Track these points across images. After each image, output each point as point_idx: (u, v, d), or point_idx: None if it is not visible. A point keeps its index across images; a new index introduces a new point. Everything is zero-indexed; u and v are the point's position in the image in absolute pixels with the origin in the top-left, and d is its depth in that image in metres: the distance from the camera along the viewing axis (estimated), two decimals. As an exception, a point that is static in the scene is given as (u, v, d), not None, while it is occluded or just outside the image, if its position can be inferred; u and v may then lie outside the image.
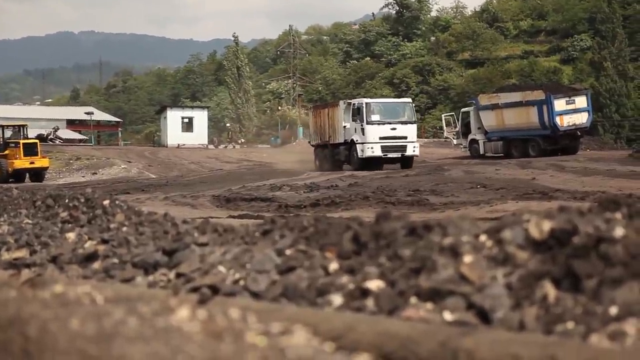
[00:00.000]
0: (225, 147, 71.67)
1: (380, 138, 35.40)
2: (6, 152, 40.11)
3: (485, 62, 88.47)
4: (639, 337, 2.37)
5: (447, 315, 2.88)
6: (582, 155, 37.03)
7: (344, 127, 36.52)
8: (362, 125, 35.62)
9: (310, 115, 42.46)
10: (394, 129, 35.63)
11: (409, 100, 40.43)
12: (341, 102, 38.86)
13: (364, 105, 36.03)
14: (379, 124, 35.60)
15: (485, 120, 41.84)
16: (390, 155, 35.49)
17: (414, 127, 37.05)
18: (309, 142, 42.15)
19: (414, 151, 36.16)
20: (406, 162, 35.67)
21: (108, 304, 2.52)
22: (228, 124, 78.94)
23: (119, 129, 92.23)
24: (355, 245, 3.92)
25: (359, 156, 35.63)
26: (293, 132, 78.55)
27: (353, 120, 36.16)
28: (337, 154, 37.43)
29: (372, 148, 35.23)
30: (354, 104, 37.14)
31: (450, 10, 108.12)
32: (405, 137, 35.83)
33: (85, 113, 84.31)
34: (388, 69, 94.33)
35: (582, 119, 39.66)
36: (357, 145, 35.76)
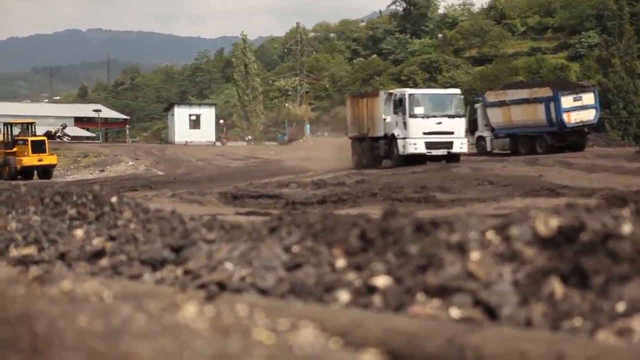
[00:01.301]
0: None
1: (424, 133, 32.18)
2: (14, 149, 40.23)
3: (493, 59, 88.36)
4: (646, 334, 2.36)
5: (454, 312, 2.88)
6: (589, 152, 36.96)
7: (384, 120, 33.28)
8: (404, 119, 32.44)
9: (347, 104, 39.07)
10: (440, 123, 32.40)
11: (457, 91, 35.88)
12: (381, 92, 35.70)
13: (406, 97, 32.82)
14: (422, 117, 32.36)
15: (493, 117, 41.75)
16: (434, 152, 32.32)
17: (462, 121, 33.67)
18: (346, 133, 38.38)
19: (461, 148, 32.92)
20: (452, 160, 32.22)
21: (115, 301, 2.52)
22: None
23: (127, 126, 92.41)
24: (363, 242, 3.93)
25: (400, 153, 32.48)
26: (300, 129, 78.57)
27: (394, 113, 32.95)
28: (376, 149, 34.18)
29: (414, 144, 32.12)
30: (395, 94, 33.87)
31: (457, 7, 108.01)
32: (452, 133, 32.56)
33: (93, 110, 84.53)
34: (395, 66, 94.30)
35: (590, 115, 39.57)
36: (398, 140, 32.54)
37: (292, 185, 20.35)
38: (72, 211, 6.12)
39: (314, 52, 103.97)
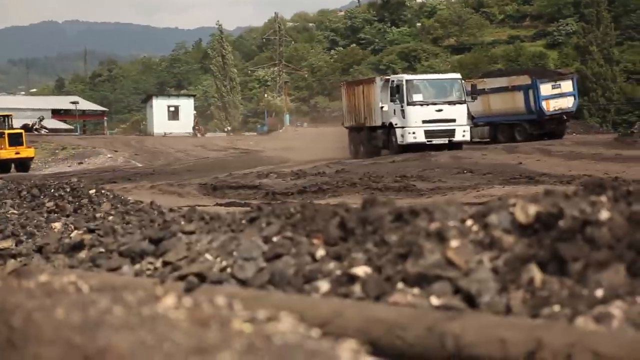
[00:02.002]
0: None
1: (424, 121, 30.43)
2: (-9, 142, 39.91)
3: (471, 48, 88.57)
4: (624, 320, 2.37)
5: (434, 300, 2.88)
6: (568, 140, 37.17)
7: (381, 108, 31.60)
8: (402, 107, 30.66)
9: (343, 92, 37.03)
10: (440, 110, 30.60)
11: (458, 75, 33.68)
12: (377, 79, 33.74)
13: (404, 83, 30.97)
14: (421, 104, 30.54)
15: (472, 106, 41.88)
16: (435, 141, 30.37)
17: (464, 107, 31.43)
18: (342, 123, 36.56)
19: (463, 136, 31.04)
20: (454, 148, 30.37)
21: (94, 293, 2.51)
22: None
23: (105, 118, 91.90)
24: (342, 232, 3.92)
25: (399, 142, 30.70)
26: (280, 120, 78.47)
27: (392, 101, 31.10)
28: (373, 139, 32.43)
29: (413, 133, 30.39)
30: (392, 81, 32.02)
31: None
32: (454, 120, 30.75)
33: (71, 102, 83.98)
34: (374, 55, 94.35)
35: (568, 103, 39.76)
36: (397, 129, 30.80)
37: (272, 176, 20.34)
38: (50, 204, 6.08)
39: (293, 42, 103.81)
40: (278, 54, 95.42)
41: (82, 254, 4.87)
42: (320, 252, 3.77)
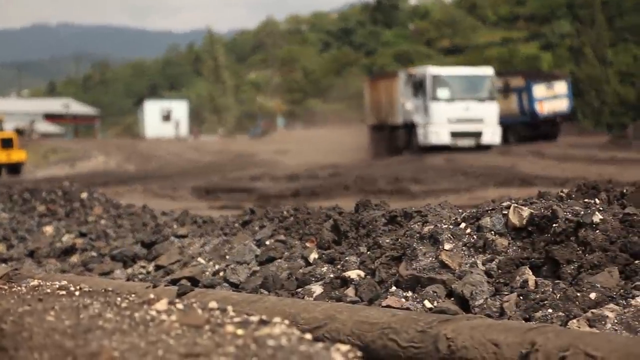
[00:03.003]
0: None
1: (449, 120, 27.42)
2: (-18, 146, 39.81)
3: (465, 50, 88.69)
4: (618, 322, 2.37)
5: (428, 303, 2.88)
6: (561, 142, 37.23)
7: (403, 105, 28.65)
8: (425, 103, 27.63)
9: (366, 87, 33.94)
10: (468, 108, 27.61)
11: (490, 71, 30.07)
12: (401, 73, 30.49)
13: (427, 77, 27.84)
14: (447, 101, 27.55)
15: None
16: (460, 143, 27.49)
17: (494, 106, 28.43)
18: (364, 120, 33.78)
19: (492, 138, 28.06)
20: (482, 150, 27.73)
21: (85, 297, 2.49)
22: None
23: (97, 121, 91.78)
24: (335, 235, 3.92)
25: (421, 143, 27.72)
26: (273, 122, 78.46)
27: (414, 96, 28.12)
28: (394, 138, 29.50)
29: (437, 132, 27.34)
30: (414, 75, 28.80)
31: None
32: (481, 120, 27.82)
33: (62, 106, 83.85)
34: (368, 57, 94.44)
35: (562, 105, 39.81)
36: (419, 128, 27.81)
37: (265, 179, 20.34)
38: (41, 208, 6.06)
39: (284, 46, 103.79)
40: (271, 57, 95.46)
41: (74, 258, 4.85)
42: (314, 256, 3.76)
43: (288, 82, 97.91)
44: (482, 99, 28.15)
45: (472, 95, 28.06)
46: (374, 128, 32.16)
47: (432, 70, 28.88)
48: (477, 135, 27.85)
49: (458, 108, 27.63)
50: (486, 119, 28.02)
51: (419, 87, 28.12)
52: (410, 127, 28.55)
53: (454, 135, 27.57)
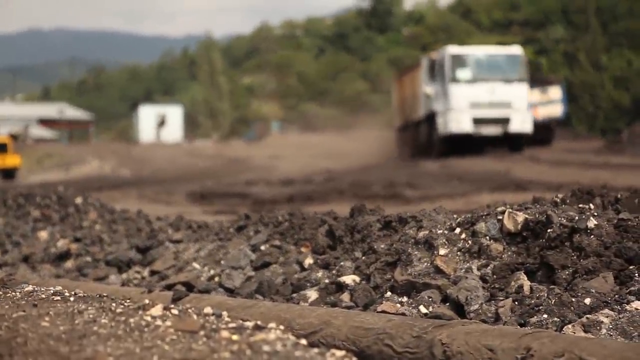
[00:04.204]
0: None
1: (472, 105, 24.19)
2: (-23, 151, 39.78)
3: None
4: (613, 327, 2.37)
5: (423, 309, 2.88)
6: (556, 147, 37.26)
7: (426, 94, 25.48)
8: (444, 87, 24.49)
9: (393, 85, 31.15)
10: (493, 91, 24.31)
11: (519, 50, 26.40)
12: (423, 59, 27.25)
13: (446, 57, 24.73)
14: (468, 83, 24.30)
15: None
16: (485, 131, 24.31)
17: (524, 88, 25.00)
18: (393, 123, 30.70)
19: (522, 126, 24.71)
20: (513, 142, 24.86)
21: (80, 303, 2.49)
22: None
23: (92, 126, 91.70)
24: (330, 240, 3.92)
25: (441, 133, 24.56)
26: (267, 127, 78.46)
27: (432, 80, 25.18)
28: (418, 135, 26.64)
29: (458, 119, 24.13)
30: (432, 57, 26.02)
31: (424, 3, 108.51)
32: (509, 104, 24.46)
33: (57, 110, 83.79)
34: (363, 62, 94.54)
35: (556, 110, 39.85)
36: (438, 117, 24.65)
37: (260, 184, 20.33)
38: (35, 213, 6.05)
39: (281, 50, 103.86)
40: (266, 62, 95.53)
41: (69, 263, 4.85)
42: (309, 261, 3.76)
43: (283, 87, 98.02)
44: (510, 80, 24.66)
45: (498, 76, 24.68)
46: (400, 129, 29.50)
47: (451, 49, 25.73)
48: (504, 122, 24.46)
49: (481, 91, 24.36)
50: (514, 104, 24.61)
51: (438, 69, 25.12)
52: (431, 118, 25.39)
53: (477, 122, 24.27)
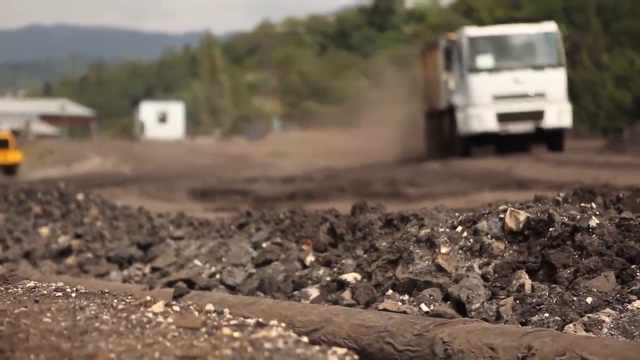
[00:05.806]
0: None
1: (495, 97, 20.69)
2: (-22, 147, 39.81)
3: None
4: (614, 326, 2.37)
5: (424, 307, 2.88)
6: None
7: (445, 82, 21.97)
8: (462, 76, 21.04)
9: (419, 63, 27.44)
10: (521, 80, 20.63)
11: (553, 27, 22.35)
12: (441, 40, 23.20)
13: (463, 40, 21.06)
14: (490, 71, 20.77)
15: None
16: (513, 128, 20.88)
17: (561, 75, 21.22)
18: (421, 107, 26.06)
19: (560, 120, 20.99)
20: (551, 139, 21.54)
21: (81, 299, 2.49)
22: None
23: (93, 122, 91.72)
24: (332, 237, 3.92)
25: (462, 131, 21.15)
26: (268, 124, 78.47)
27: (447, 69, 21.74)
28: (442, 128, 22.99)
29: (480, 116, 20.68)
30: (450, 38, 22.27)
31: (425, 1, 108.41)
32: (542, 95, 20.78)
33: (59, 107, 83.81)
34: (364, 60, 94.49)
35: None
36: (459, 112, 21.19)
37: (261, 181, 20.33)
38: (37, 209, 6.05)
39: (282, 47, 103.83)
40: (267, 59, 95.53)
41: (70, 260, 4.85)
42: (310, 258, 3.76)
43: (284, 85, 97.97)
44: (542, 66, 20.94)
45: (527, 62, 20.99)
46: (427, 116, 25.07)
47: (469, 31, 21.94)
48: (537, 116, 20.82)
49: (507, 80, 20.74)
50: (549, 94, 20.85)
51: (455, 55, 21.57)
52: (452, 112, 21.91)
53: (503, 118, 20.74)
